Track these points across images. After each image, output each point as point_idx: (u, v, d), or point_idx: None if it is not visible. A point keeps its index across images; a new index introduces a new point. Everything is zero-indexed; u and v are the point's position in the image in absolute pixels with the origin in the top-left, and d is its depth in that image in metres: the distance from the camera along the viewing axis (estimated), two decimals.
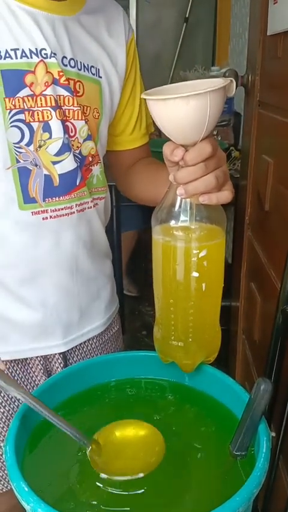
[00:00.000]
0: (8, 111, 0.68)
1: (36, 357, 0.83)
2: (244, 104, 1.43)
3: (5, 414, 0.82)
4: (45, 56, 0.70)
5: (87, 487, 0.55)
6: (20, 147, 0.70)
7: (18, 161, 0.71)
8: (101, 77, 0.79)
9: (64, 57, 0.72)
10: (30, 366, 0.83)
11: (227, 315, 1.59)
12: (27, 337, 0.81)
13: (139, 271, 2.69)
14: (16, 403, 0.83)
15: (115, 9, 0.84)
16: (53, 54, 0.70)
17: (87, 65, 0.76)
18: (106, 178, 0.84)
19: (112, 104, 0.83)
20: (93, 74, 0.78)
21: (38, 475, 0.55)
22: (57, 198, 0.74)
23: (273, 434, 0.72)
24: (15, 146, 0.70)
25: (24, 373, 0.83)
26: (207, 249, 0.58)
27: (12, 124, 0.69)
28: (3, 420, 0.83)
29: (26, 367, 0.83)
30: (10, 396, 0.82)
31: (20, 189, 0.72)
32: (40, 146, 0.71)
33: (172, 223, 0.59)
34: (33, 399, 0.57)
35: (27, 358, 0.83)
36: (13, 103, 0.68)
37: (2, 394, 0.81)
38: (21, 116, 0.69)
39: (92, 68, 0.77)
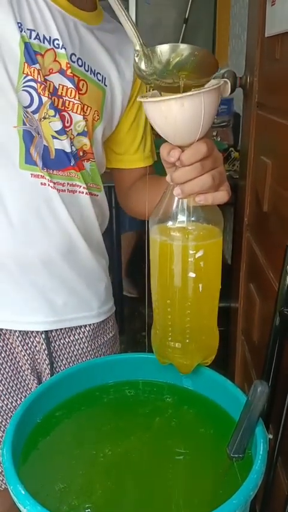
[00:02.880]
0: (24, 75, 0.72)
1: (17, 336, 0.81)
2: (243, 104, 1.43)
3: (3, 408, 0.82)
4: (57, 46, 0.74)
5: (81, 491, 0.55)
6: (27, 112, 0.73)
7: (24, 124, 0.73)
8: (106, 85, 0.82)
9: (73, 54, 0.76)
10: (12, 343, 0.82)
11: (226, 316, 1.59)
12: (8, 306, 0.80)
13: (139, 272, 2.69)
14: (6, 402, 0.83)
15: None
16: (63, 47, 0.74)
17: (94, 70, 0.79)
18: (102, 180, 0.86)
19: (112, 115, 0.85)
20: (99, 80, 0.80)
21: (34, 478, 0.55)
22: (51, 171, 0.76)
23: (271, 436, 0.72)
24: (24, 109, 0.73)
25: (10, 365, 0.82)
26: (204, 249, 0.58)
27: (24, 88, 0.72)
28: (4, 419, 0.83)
29: (11, 358, 0.82)
30: (2, 393, 0.82)
31: (24, 150, 0.74)
32: (44, 118, 0.74)
33: (169, 223, 0.60)
34: None
35: (10, 344, 0.82)
36: (30, 70, 0.72)
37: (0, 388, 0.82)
38: (34, 84, 0.72)
39: (99, 75, 0.80)
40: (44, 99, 0.73)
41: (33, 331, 0.82)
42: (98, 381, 0.70)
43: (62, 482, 0.56)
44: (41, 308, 0.82)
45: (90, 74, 0.79)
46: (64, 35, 0.75)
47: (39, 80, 0.72)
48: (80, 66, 0.77)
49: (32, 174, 0.75)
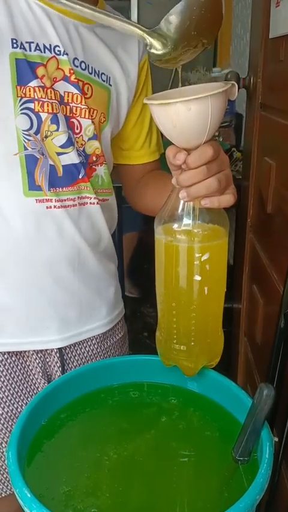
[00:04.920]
0: (19, 98, 0.70)
1: (33, 354, 0.82)
2: (246, 105, 1.43)
3: (4, 416, 0.82)
4: (58, 52, 0.73)
5: (86, 494, 0.54)
6: (29, 135, 0.72)
7: (26, 148, 0.72)
8: (111, 85, 0.81)
9: (76, 58, 0.75)
10: (28, 363, 0.83)
11: (229, 317, 1.59)
12: (24, 329, 0.80)
13: (140, 272, 2.68)
14: (16, 405, 0.83)
15: None
16: (65, 53, 0.73)
17: (98, 71, 0.79)
18: (111, 181, 0.85)
19: (119, 113, 0.85)
20: (104, 81, 0.80)
21: (39, 480, 0.55)
22: (60, 189, 0.76)
23: (276, 439, 0.72)
24: (24, 133, 0.72)
25: (20, 369, 0.82)
26: (209, 252, 0.58)
27: (22, 111, 0.71)
28: (5, 426, 0.82)
29: (23, 365, 0.82)
30: (12, 397, 0.82)
31: (26, 176, 0.73)
32: (46, 136, 0.73)
33: (174, 226, 0.59)
34: None
35: (23, 353, 0.82)
36: (24, 91, 0.70)
37: (1, 396, 0.81)
38: (30, 105, 0.71)
39: (103, 75, 0.79)
40: (44, 115, 0.72)
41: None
42: (103, 383, 0.70)
43: (67, 485, 0.55)
44: (56, 326, 0.82)
45: (95, 75, 0.78)
46: (65, 40, 0.73)
47: (36, 97, 0.71)
48: (84, 69, 0.76)
49: (37, 200, 0.74)
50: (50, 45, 0.72)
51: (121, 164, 0.94)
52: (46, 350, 0.83)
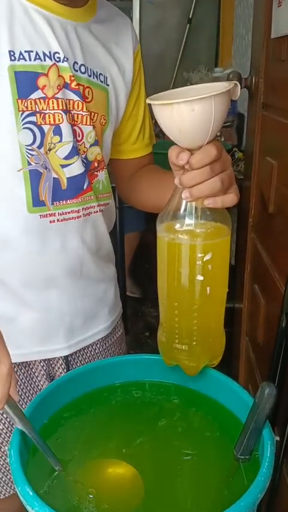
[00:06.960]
0: (21, 112, 0.69)
1: (39, 361, 0.83)
2: (248, 105, 1.43)
3: (8, 420, 0.82)
4: (58, 59, 0.71)
5: (87, 492, 0.55)
6: (32, 150, 0.71)
7: (29, 163, 0.71)
8: (108, 85, 0.80)
9: (75, 62, 0.73)
10: (33, 370, 0.83)
11: (230, 317, 1.59)
12: (31, 340, 0.80)
13: (142, 272, 2.69)
14: (27, 403, 0.83)
15: (123, 21, 0.85)
16: (65, 59, 0.71)
17: (97, 72, 0.77)
18: (110, 184, 0.85)
19: (118, 112, 0.84)
20: (102, 82, 0.79)
21: (41, 478, 0.55)
22: (64, 202, 0.75)
23: (277, 438, 0.72)
24: (27, 148, 0.70)
25: (27, 378, 0.83)
26: (212, 251, 0.58)
27: (24, 126, 0.69)
28: (6, 425, 0.83)
29: (28, 371, 0.83)
30: (22, 398, 0.82)
31: (30, 192, 0.72)
32: (50, 149, 0.72)
33: (177, 226, 0.59)
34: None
35: (30, 362, 0.82)
36: (25, 105, 0.69)
37: None
38: (33, 118, 0.70)
39: (101, 76, 0.78)
40: (46, 127, 0.71)
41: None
42: (105, 382, 0.70)
43: (66, 483, 0.55)
44: (63, 334, 0.82)
45: (94, 78, 0.77)
46: (64, 44, 0.71)
47: (38, 109, 0.69)
48: (83, 73, 0.75)
49: (40, 215, 0.73)
50: (50, 52, 0.70)
51: (115, 159, 0.92)
52: (52, 358, 0.83)
